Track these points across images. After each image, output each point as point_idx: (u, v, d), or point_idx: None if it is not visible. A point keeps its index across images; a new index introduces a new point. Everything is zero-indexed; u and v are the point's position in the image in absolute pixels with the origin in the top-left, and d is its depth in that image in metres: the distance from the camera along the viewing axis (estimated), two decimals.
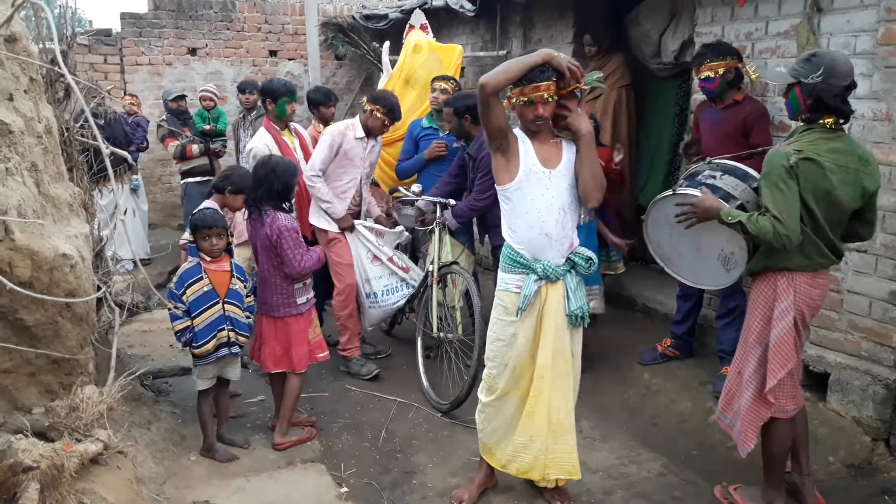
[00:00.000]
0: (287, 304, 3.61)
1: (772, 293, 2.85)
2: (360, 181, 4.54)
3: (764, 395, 2.86)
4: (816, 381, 3.78)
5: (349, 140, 4.38)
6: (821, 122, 2.72)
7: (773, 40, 3.98)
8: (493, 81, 2.72)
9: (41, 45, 3.41)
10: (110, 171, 2.74)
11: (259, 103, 6.08)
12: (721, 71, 3.81)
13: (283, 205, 3.61)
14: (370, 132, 4.45)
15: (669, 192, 3.11)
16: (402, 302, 4.65)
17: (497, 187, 2.94)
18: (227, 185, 3.81)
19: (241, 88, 6.48)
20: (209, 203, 3.74)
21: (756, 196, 2.89)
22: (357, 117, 4.49)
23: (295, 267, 3.55)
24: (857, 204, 2.78)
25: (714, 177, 3.04)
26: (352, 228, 4.45)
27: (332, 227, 4.45)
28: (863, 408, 3.54)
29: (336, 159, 4.38)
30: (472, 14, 6.57)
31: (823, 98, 2.67)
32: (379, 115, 4.38)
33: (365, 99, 4.52)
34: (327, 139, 4.37)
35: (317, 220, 4.47)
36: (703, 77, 3.88)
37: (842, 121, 2.74)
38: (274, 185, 3.53)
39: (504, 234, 2.97)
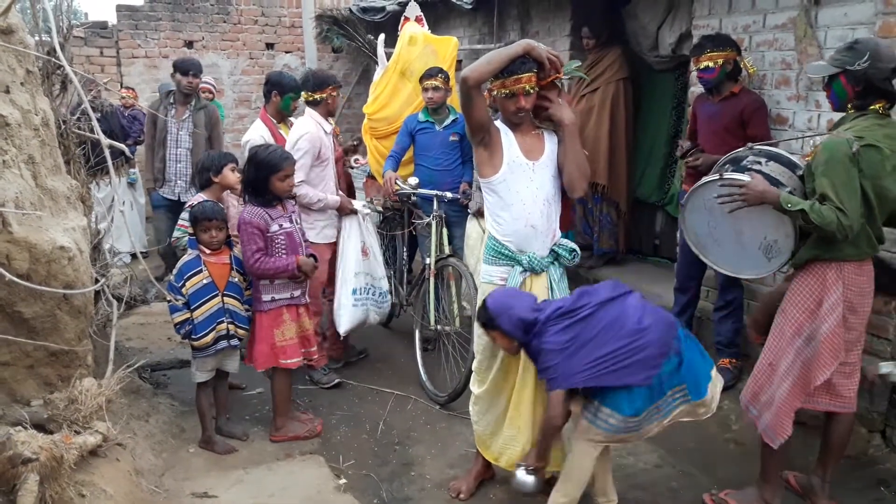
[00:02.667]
0: (256, 298, 3.58)
1: (820, 286, 2.81)
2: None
3: (802, 386, 2.84)
4: None
5: (323, 141, 4.16)
6: (872, 107, 2.71)
7: (771, 33, 3.99)
8: (475, 74, 2.70)
9: (37, 38, 3.40)
10: (110, 163, 2.74)
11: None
12: (720, 62, 3.80)
13: (260, 197, 3.46)
14: (332, 114, 4.35)
15: (715, 177, 3.03)
16: (373, 315, 4.44)
17: (481, 180, 2.94)
18: (207, 172, 3.72)
19: (185, 69, 5.38)
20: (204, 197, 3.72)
21: (801, 184, 2.86)
22: (312, 115, 4.21)
23: (245, 262, 3.50)
24: None
25: (759, 163, 3.00)
26: (355, 211, 4.31)
27: (321, 238, 4.23)
28: (860, 399, 3.54)
29: (318, 166, 4.14)
30: (470, 6, 6.55)
31: (874, 82, 2.66)
32: (335, 93, 4.27)
33: (308, 94, 4.22)
34: (306, 147, 4.02)
35: (311, 236, 4.07)
36: (702, 67, 3.87)
37: (889, 105, 2.72)
38: (248, 175, 3.49)
39: (488, 226, 2.97)
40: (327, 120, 4.33)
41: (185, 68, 5.36)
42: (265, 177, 3.43)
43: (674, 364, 2.63)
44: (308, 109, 4.27)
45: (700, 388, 2.67)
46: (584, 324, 2.64)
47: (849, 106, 2.79)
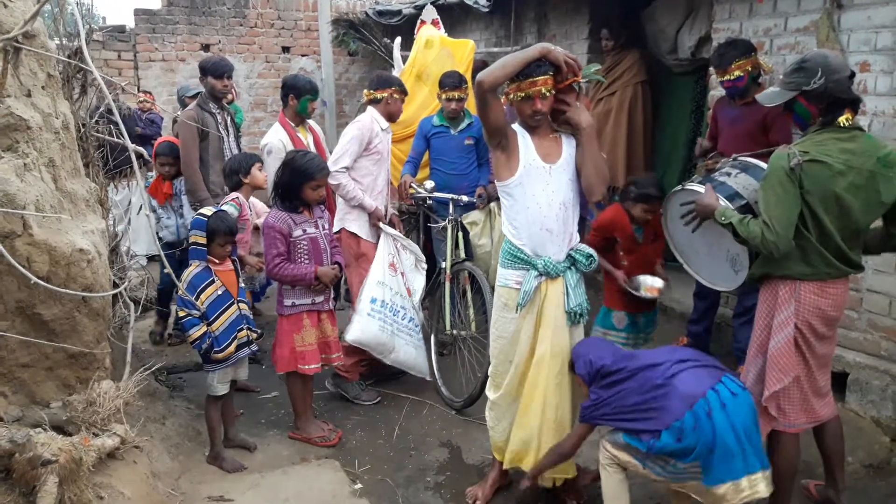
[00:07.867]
0: (278, 301, 3.60)
1: (772, 302, 2.74)
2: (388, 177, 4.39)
3: (764, 406, 2.73)
4: (835, 381, 3.71)
5: (377, 133, 4.14)
6: (837, 121, 2.58)
7: (793, 36, 3.95)
8: (490, 78, 2.69)
9: (57, 41, 3.42)
10: (136, 168, 2.77)
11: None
12: (749, 68, 3.76)
13: (287, 202, 3.48)
14: (392, 118, 4.28)
15: (679, 188, 3.08)
16: (400, 342, 4.13)
17: (497, 183, 2.92)
18: (236, 174, 3.73)
19: (220, 72, 4.69)
20: (232, 203, 3.70)
21: None
22: (370, 110, 4.23)
23: (265, 265, 3.53)
24: (874, 213, 2.62)
25: (729, 174, 2.98)
26: (385, 217, 4.21)
27: (363, 232, 4.16)
28: (882, 408, 3.51)
29: (367, 157, 4.13)
30: (487, 10, 6.55)
31: (838, 95, 2.56)
32: (397, 95, 4.23)
33: (369, 91, 4.25)
34: (354, 133, 4.06)
35: (348, 223, 4.13)
36: (734, 77, 3.79)
37: (854, 112, 2.60)
38: (281, 179, 3.50)
39: (504, 230, 2.96)
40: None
41: (220, 71, 4.68)
42: (299, 183, 3.45)
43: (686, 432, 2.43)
44: (369, 107, 4.25)
45: (713, 473, 2.40)
46: (620, 385, 2.64)
47: (815, 123, 2.65)
